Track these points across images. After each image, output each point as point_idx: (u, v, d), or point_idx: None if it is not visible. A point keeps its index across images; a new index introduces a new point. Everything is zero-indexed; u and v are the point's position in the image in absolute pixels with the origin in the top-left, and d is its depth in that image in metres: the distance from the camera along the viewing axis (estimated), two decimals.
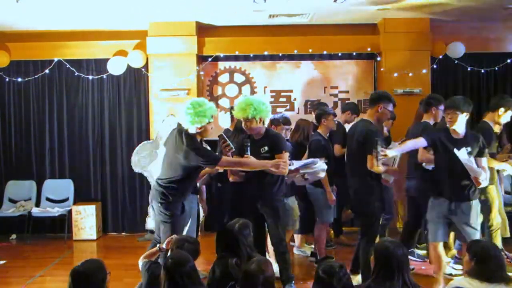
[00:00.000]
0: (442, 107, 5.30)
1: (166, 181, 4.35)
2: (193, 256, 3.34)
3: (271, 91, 7.83)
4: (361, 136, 4.70)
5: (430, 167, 4.95)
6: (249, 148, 4.63)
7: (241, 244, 3.70)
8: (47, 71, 7.71)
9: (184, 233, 4.62)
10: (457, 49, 7.64)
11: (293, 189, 5.53)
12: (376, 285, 3.05)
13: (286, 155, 4.70)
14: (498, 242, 5.28)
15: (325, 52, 7.71)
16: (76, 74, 7.71)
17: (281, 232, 4.80)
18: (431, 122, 5.47)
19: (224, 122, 7.75)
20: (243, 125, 4.75)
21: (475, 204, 4.60)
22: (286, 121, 5.60)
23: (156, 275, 3.51)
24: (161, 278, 3.16)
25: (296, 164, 5.03)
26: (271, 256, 5.17)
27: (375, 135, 4.54)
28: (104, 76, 7.75)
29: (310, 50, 7.68)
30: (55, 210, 7.50)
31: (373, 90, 7.77)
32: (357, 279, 4.84)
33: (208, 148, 4.82)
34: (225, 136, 4.58)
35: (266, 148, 4.69)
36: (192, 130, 4.27)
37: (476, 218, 4.60)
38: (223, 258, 3.65)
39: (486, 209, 5.23)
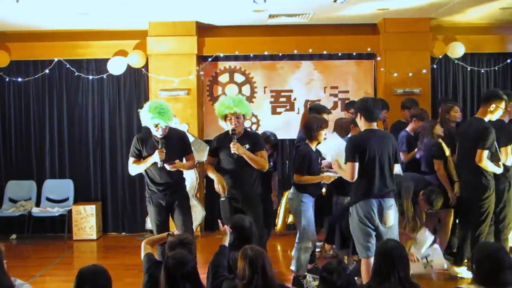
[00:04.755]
0: None
1: None
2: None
3: (271, 91, 7.83)
4: (476, 133, 5.01)
5: None
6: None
7: (253, 239, 3.71)
8: (47, 71, 7.71)
9: (156, 226, 5.03)
10: (457, 49, 7.64)
11: None
12: (376, 284, 3.06)
13: (265, 153, 5.02)
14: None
15: (325, 52, 7.71)
16: (76, 74, 7.71)
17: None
18: (506, 119, 5.42)
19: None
20: (232, 121, 4.88)
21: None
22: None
23: (156, 276, 3.50)
24: (161, 278, 3.12)
25: None
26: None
27: (490, 132, 4.96)
28: (104, 76, 7.75)
29: (310, 50, 7.68)
30: (55, 210, 7.50)
31: (373, 90, 7.79)
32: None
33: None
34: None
35: (247, 146, 4.91)
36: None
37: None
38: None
39: None
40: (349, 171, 4.45)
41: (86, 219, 7.50)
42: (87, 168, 7.87)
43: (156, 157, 4.86)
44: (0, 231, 7.62)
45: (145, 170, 5.05)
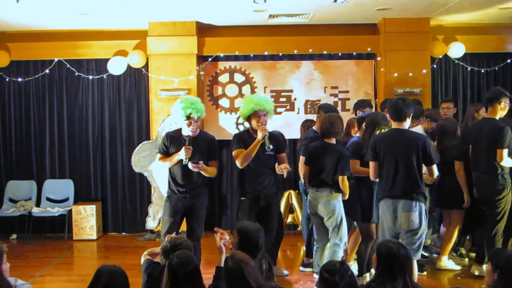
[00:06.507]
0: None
1: None
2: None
3: (271, 91, 7.82)
4: (491, 133, 5.05)
5: None
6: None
7: (259, 247, 3.56)
8: (47, 71, 7.71)
9: (166, 225, 4.91)
10: (457, 49, 7.64)
11: None
12: (377, 285, 3.04)
13: (285, 155, 5.14)
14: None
15: (325, 52, 7.71)
16: (76, 74, 7.71)
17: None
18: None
19: (224, 122, 7.75)
20: (259, 120, 4.90)
21: None
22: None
23: (155, 275, 3.50)
24: (164, 276, 3.12)
25: None
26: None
27: (506, 130, 4.99)
28: (104, 76, 7.75)
29: (310, 50, 7.68)
30: (55, 210, 7.49)
31: (373, 90, 7.79)
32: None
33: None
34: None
35: (271, 146, 4.90)
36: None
37: None
38: None
39: None
40: (370, 170, 4.63)
41: (86, 219, 7.50)
42: (87, 168, 7.87)
43: (182, 154, 4.82)
44: (0, 231, 7.62)
45: (169, 168, 5.03)
